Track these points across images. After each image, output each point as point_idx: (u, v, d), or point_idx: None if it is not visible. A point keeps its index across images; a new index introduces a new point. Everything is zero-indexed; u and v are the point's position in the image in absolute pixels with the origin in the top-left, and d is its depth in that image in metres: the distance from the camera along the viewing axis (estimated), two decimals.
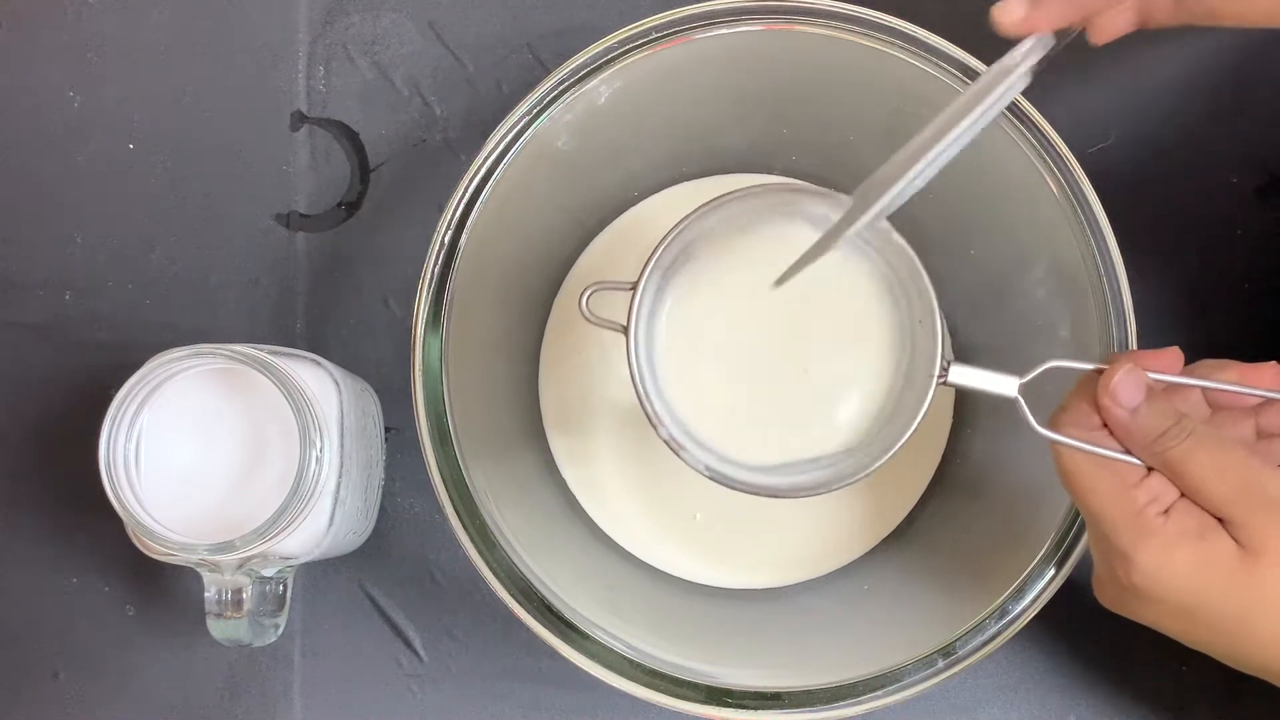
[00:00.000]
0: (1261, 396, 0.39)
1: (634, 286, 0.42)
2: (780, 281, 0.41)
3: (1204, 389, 0.39)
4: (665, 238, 0.42)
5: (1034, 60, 0.39)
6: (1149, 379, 0.37)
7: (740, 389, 0.44)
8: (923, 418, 0.40)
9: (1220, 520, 0.35)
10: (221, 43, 0.56)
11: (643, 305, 0.42)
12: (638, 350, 0.42)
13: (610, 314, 0.43)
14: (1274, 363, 0.39)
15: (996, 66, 0.39)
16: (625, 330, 0.42)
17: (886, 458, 0.41)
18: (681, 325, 0.44)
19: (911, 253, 0.42)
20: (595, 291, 0.42)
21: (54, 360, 0.55)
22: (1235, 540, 0.35)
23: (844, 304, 0.44)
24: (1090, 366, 0.38)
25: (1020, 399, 0.39)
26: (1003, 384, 0.39)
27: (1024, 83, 0.39)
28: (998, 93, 0.38)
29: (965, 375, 0.40)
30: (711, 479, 0.42)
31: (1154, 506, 0.36)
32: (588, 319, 0.42)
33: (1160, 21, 0.40)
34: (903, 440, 0.41)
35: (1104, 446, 0.37)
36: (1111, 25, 0.41)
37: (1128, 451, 0.37)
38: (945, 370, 0.40)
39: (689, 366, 0.44)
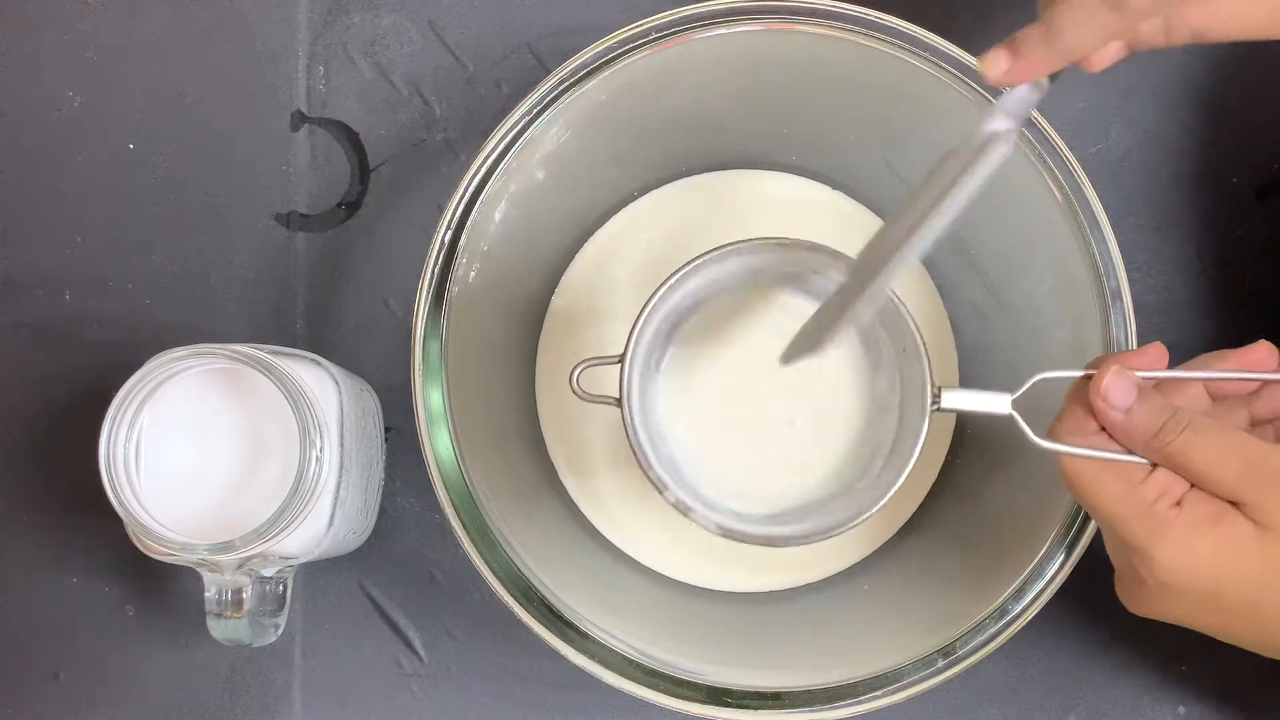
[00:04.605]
0: (1257, 380, 0.38)
1: (621, 359, 0.42)
2: (787, 361, 0.41)
3: (1204, 382, 0.39)
4: (644, 309, 0.42)
5: (1027, 107, 0.39)
6: (1138, 378, 0.37)
7: (736, 443, 0.45)
8: (922, 447, 0.41)
9: (1233, 504, 0.35)
10: (221, 43, 0.56)
11: (633, 375, 0.42)
12: (634, 419, 0.42)
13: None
14: (1264, 340, 0.39)
15: (989, 122, 0.38)
16: (619, 403, 0.42)
17: (893, 490, 0.41)
18: (675, 389, 0.45)
19: (892, 296, 0.42)
20: (586, 368, 0.42)
21: (54, 360, 0.55)
22: (1251, 521, 0.35)
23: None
24: (1079, 374, 0.38)
25: (1016, 415, 0.39)
26: (996, 403, 0.39)
27: (1017, 131, 0.39)
28: (995, 152, 0.37)
29: (958, 399, 0.40)
30: (724, 537, 0.42)
31: (1164, 500, 0.36)
32: (580, 396, 0.42)
33: (1151, 44, 0.40)
34: (906, 471, 0.41)
35: (1105, 450, 0.37)
36: (1103, 56, 0.41)
37: (1129, 452, 0.37)
38: (937, 398, 0.40)
39: (686, 428, 0.45)
